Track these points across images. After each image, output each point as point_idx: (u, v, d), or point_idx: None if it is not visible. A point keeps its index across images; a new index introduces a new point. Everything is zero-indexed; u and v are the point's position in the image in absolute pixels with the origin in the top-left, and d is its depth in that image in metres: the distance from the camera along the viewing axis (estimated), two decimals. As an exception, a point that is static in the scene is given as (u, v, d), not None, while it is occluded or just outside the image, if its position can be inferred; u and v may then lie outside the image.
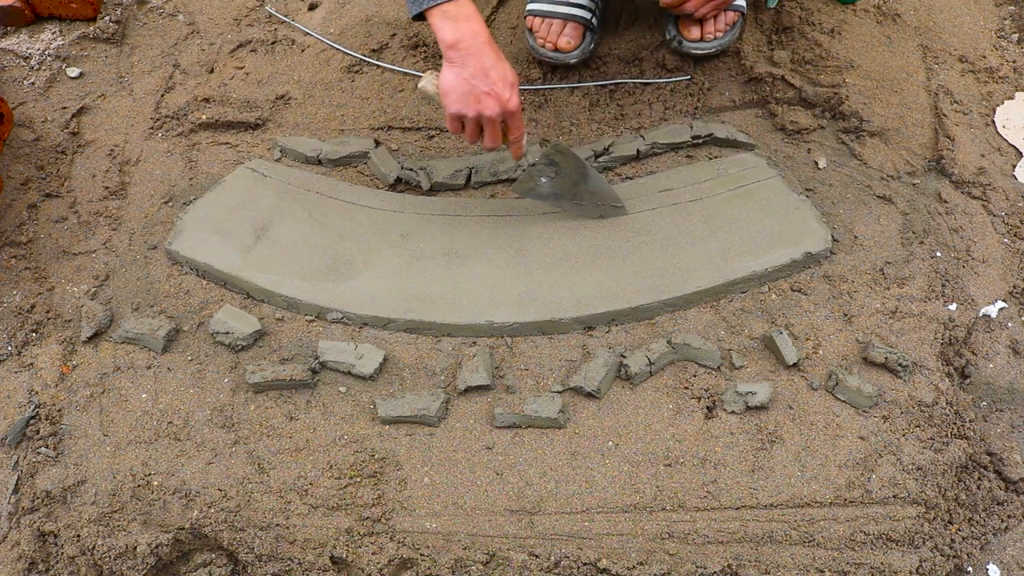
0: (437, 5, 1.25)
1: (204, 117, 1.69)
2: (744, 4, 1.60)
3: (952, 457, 1.24)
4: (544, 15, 1.62)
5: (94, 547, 1.26)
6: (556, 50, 1.63)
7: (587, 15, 1.60)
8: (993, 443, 1.31)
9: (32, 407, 1.37)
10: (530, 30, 1.65)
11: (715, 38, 1.59)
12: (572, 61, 1.64)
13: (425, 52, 1.74)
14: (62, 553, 1.27)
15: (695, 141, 1.58)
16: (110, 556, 1.25)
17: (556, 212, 1.50)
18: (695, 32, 1.58)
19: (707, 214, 1.47)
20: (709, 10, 1.44)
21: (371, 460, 1.28)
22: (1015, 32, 1.72)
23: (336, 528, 1.24)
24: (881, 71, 1.62)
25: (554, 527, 1.22)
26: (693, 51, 1.60)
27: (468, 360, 1.35)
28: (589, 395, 1.32)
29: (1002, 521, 1.27)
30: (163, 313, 1.45)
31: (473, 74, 1.25)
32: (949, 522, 1.23)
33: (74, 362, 1.41)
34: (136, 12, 1.89)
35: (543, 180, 1.43)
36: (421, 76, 1.35)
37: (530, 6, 1.64)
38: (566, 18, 1.60)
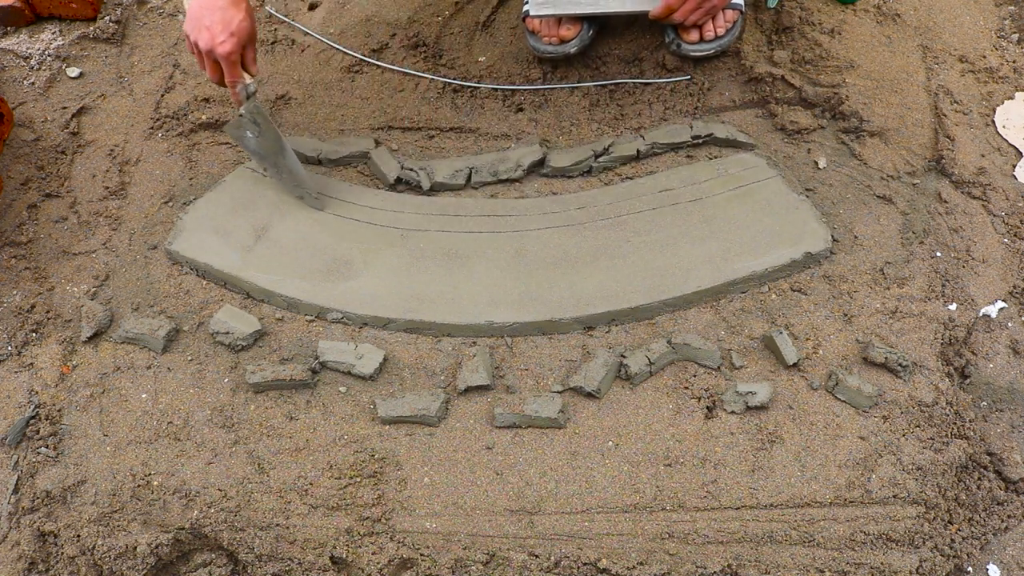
0: None
1: (204, 117, 1.69)
2: (742, 2, 1.60)
3: (952, 457, 1.24)
4: (543, 16, 1.62)
5: (94, 547, 1.26)
6: (561, 41, 1.62)
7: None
8: (993, 443, 1.31)
9: (32, 407, 1.37)
10: (532, 31, 1.65)
11: (715, 38, 1.59)
12: (572, 51, 1.64)
13: (425, 52, 1.74)
14: (62, 553, 1.27)
15: (695, 141, 1.58)
16: (110, 556, 1.25)
17: (556, 212, 1.50)
18: (693, 35, 1.58)
19: (707, 214, 1.47)
20: (699, 16, 1.45)
21: (371, 460, 1.28)
22: (1015, 32, 1.72)
23: (336, 528, 1.24)
24: (881, 71, 1.62)
25: (554, 527, 1.22)
26: (692, 53, 1.60)
27: (468, 360, 1.35)
28: (589, 395, 1.32)
29: (1002, 521, 1.27)
30: (163, 313, 1.45)
31: (205, 5, 1.33)
32: (949, 522, 1.23)
33: (74, 362, 1.41)
34: (136, 12, 1.89)
35: (248, 135, 1.47)
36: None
37: (529, 10, 1.64)
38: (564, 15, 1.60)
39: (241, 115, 1.44)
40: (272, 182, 1.57)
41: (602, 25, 1.70)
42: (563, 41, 1.63)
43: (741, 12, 1.60)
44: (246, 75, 1.39)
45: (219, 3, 1.33)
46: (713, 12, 1.46)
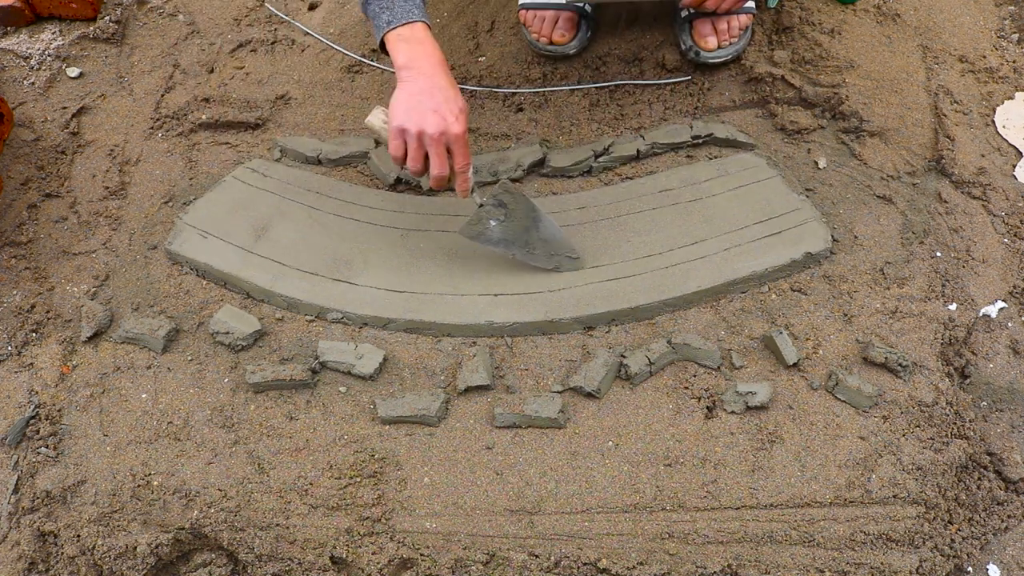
0: (393, 29, 1.25)
1: (204, 117, 1.69)
2: (754, 5, 1.60)
3: (952, 457, 1.24)
4: (536, 7, 1.62)
5: (94, 547, 1.26)
6: (551, 44, 1.63)
7: (578, 4, 1.60)
8: (993, 443, 1.31)
9: (32, 407, 1.37)
10: (524, 25, 1.65)
11: (730, 43, 1.59)
12: (571, 52, 1.64)
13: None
14: (62, 553, 1.27)
15: (695, 141, 1.58)
16: (110, 556, 1.25)
17: (556, 212, 1.50)
18: (711, 42, 1.58)
19: (707, 214, 1.47)
20: (730, 5, 1.42)
21: (371, 460, 1.28)
22: (1015, 32, 1.72)
23: (336, 528, 1.24)
24: (881, 71, 1.62)
25: (554, 527, 1.22)
26: (711, 60, 1.60)
27: (468, 360, 1.35)
28: (589, 395, 1.32)
29: (1002, 521, 1.27)
30: (163, 313, 1.45)
31: (421, 90, 1.23)
32: (949, 522, 1.23)
33: (74, 362, 1.41)
34: (136, 12, 1.89)
35: (492, 223, 1.36)
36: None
37: (522, 0, 1.65)
38: (558, 9, 1.60)
39: (481, 205, 1.33)
40: (272, 182, 1.57)
41: (600, 25, 1.70)
42: (555, 44, 1.63)
43: (754, 15, 1.60)
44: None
45: (438, 84, 1.23)
46: (742, 1, 1.43)
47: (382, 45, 1.29)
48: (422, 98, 1.22)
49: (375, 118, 1.32)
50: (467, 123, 1.25)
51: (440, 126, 1.22)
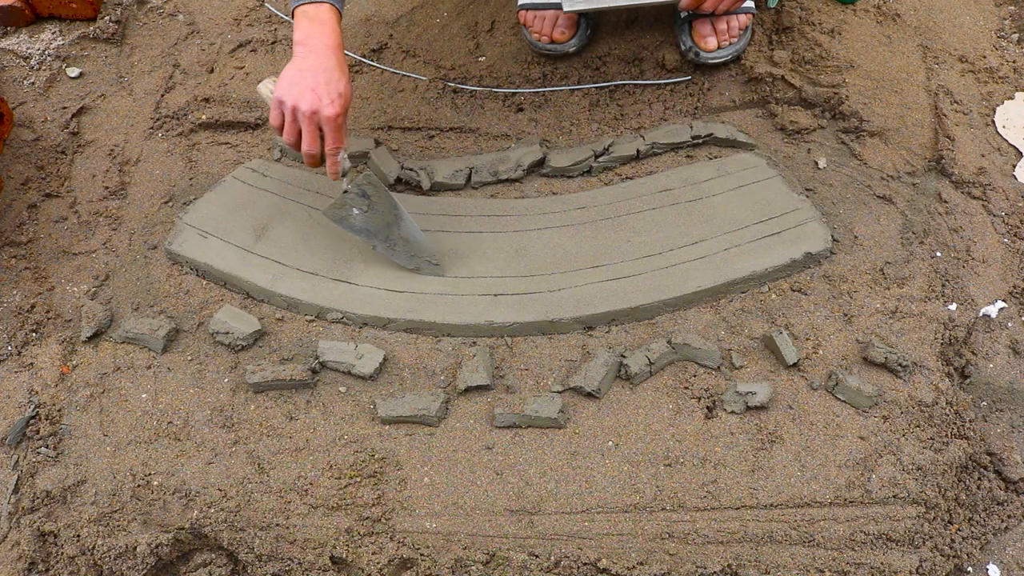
0: (301, 5, 1.29)
1: (204, 117, 1.69)
2: (753, 5, 1.60)
3: (952, 457, 1.24)
4: (535, 7, 1.62)
5: (94, 547, 1.26)
6: (552, 42, 1.63)
7: (577, 9, 1.60)
8: (993, 443, 1.31)
9: (32, 407, 1.37)
10: (524, 25, 1.66)
11: (730, 44, 1.59)
12: (571, 50, 1.64)
13: (425, 53, 1.74)
14: (62, 553, 1.27)
15: (695, 141, 1.58)
16: (110, 556, 1.25)
17: (556, 212, 1.50)
18: (711, 42, 1.58)
19: (707, 214, 1.47)
20: (728, 5, 1.42)
21: (371, 460, 1.28)
22: (1015, 32, 1.72)
23: (336, 528, 1.24)
24: (881, 71, 1.62)
25: (554, 527, 1.22)
26: (711, 61, 1.60)
27: (468, 360, 1.35)
28: (589, 395, 1.32)
29: (1002, 521, 1.27)
30: (163, 313, 1.45)
31: (307, 67, 1.25)
32: (949, 522, 1.23)
33: (74, 362, 1.41)
34: (136, 12, 1.89)
35: (355, 211, 1.36)
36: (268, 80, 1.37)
37: (521, 1, 1.65)
38: (559, 8, 1.60)
39: (346, 191, 1.34)
40: (272, 182, 1.57)
41: (600, 24, 1.70)
42: (555, 42, 1.64)
43: (753, 15, 1.60)
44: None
45: (324, 64, 1.25)
46: (740, 1, 1.44)
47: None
48: (305, 75, 1.25)
49: (264, 87, 1.36)
50: (344, 108, 1.26)
51: (314, 105, 1.24)
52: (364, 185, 1.34)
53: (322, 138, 1.28)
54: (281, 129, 1.29)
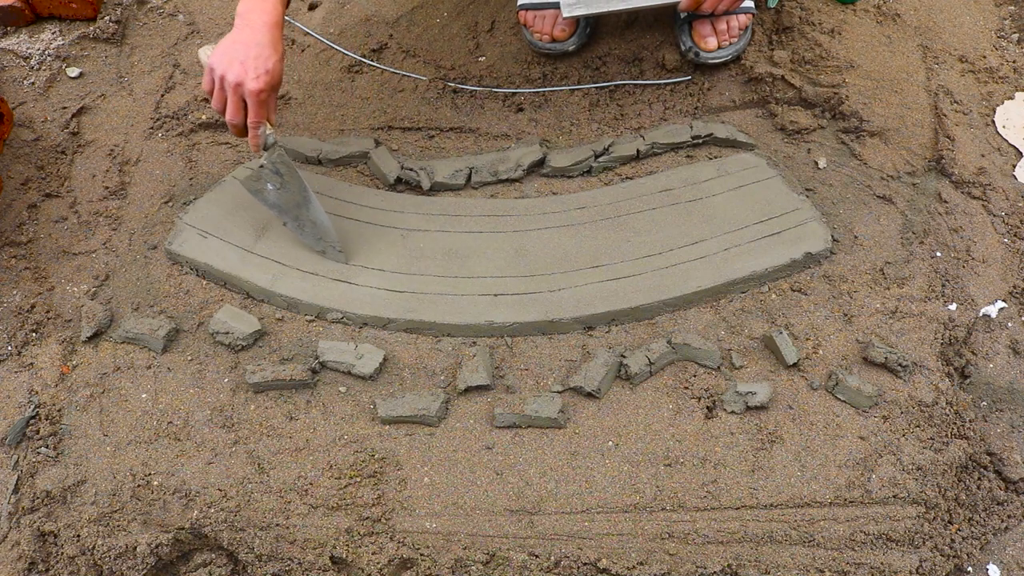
0: None
1: (204, 117, 1.69)
2: (753, 5, 1.60)
3: (952, 457, 1.24)
4: (536, 7, 1.63)
5: (94, 547, 1.26)
6: (553, 40, 1.63)
7: (576, 14, 1.60)
8: (993, 443, 1.31)
9: (32, 407, 1.37)
10: (524, 25, 1.66)
11: (730, 44, 1.59)
12: (571, 48, 1.65)
13: (425, 53, 1.74)
14: (62, 553, 1.27)
15: (695, 141, 1.58)
16: (110, 556, 1.25)
17: (556, 212, 1.50)
18: (711, 42, 1.58)
19: (707, 214, 1.47)
20: (726, 6, 1.43)
21: (371, 460, 1.28)
22: (1015, 32, 1.72)
23: (336, 528, 1.24)
24: (881, 71, 1.62)
25: (554, 527, 1.22)
26: (711, 61, 1.60)
27: (468, 360, 1.35)
28: (589, 395, 1.32)
29: (1002, 521, 1.27)
30: (163, 313, 1.45)
31: (241, 40, 1.29)
32: (949, 522, 1.23)
33: (74, 362, 1.41)
34: (136, 12, 1.89)
35: (269, 187, 1.40)
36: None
37: (521, 1, 1.65)
38: (558, 7, 1.60)
39: (262, 166, 1.37)
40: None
41: (600, 24, 1.70)
42: (556, 41, 1.64)
43: (753, 15, 1.60)
44: (266, 123, 1.33)
45: (256, 40, 1.29)
46: (738, 2, 1.45)
47: None
48: (237, 47, 1.29)
49: (203, 52, 1.40)
50: (269, 85, 1.29)
51: (239, 77, 1.28)
52: (278, 163, 1.38)
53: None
54: (211, 96, 1.33)
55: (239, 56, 1.28)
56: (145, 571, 1.26)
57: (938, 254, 1.44)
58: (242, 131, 1.34)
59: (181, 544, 1.27)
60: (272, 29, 1.31)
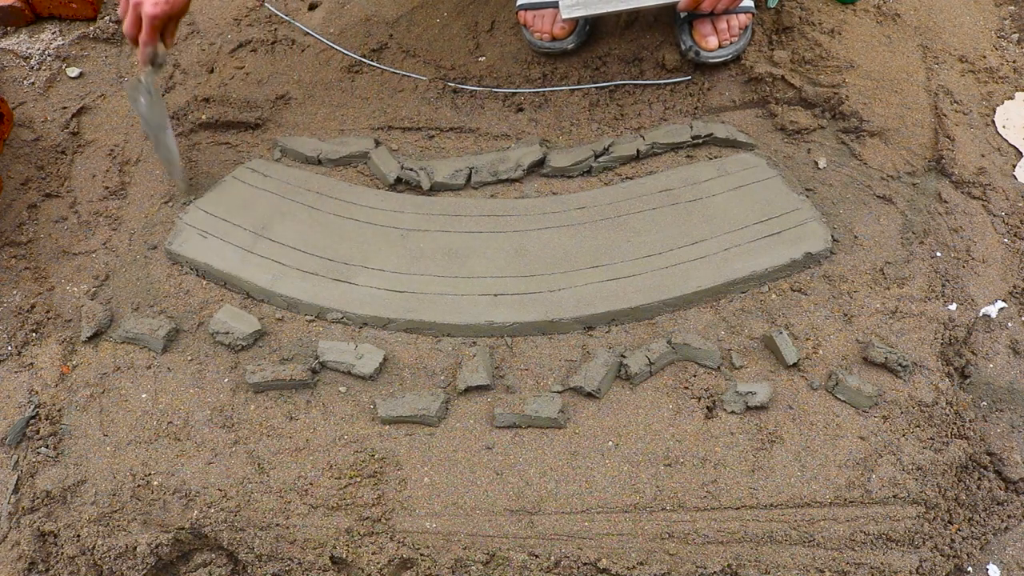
0: None
1: (204, 117, 1.69)
2: (753, 4, 1.60)
3: (952, 457, 1.24)
4: (534, 7, 1.63)
5: (94, 547, 1.26)
6: (552, 39, 1.63)
7: (575, 16, 1.61)
8: (993, 443, 1.31)
9: (32, 407, 1.37)
10: (524, 25, 1.66)
11: (731, 43, 1.59)
12: (570, 47, 1.65)
13: (425, 53, 1.74)
14: (62, 553, 1.27)
15: (695, 141, 1.58)
16: (110, 556, 1.25)
17: (556, 212, 1.50)
18: (712, 42, 1.58)
19: (707, 214, 1.47)
20: (725, 5, 1.43)
21: (371, 460, 1.28)
22: (1015, 32, 1.72)
23: (336, 528, 1.24)
24: (881, 71, 1.62)
25: (554, 527, 1.22)
26: (711, 60, 1.60)
27: (468, 360, 1.35)
28: (589, 395, 1.32)
29: (1002, 521, 1.27)
30: (163, 313, 1.45)
31: None
32: (949, 522, 1.24)
33: (74, 362, 1.41)
34: (136, 12, 1.89)
35: (141, 100, 1.51)
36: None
37: (520, 1, 1.65)
38: (557, 7, 1.60)
39: (139, 80, 1.49)
40: (272, 182, 1.57)
41: (599, 23, 1.70)
42: (556, 39, 1.64)
43: (753, 15, 1.60)
44: (160, 44, 1.46)
45: None
46: (738, 0, 1.45)
47: None
48: None
49: None
50: (164, 14, 1.41)
51: None
52: (148, 85, 1.49)
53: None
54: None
55: None
56: (145, 571, 1.26)
57: (938, 254, 1.44)
58: (135, 44, 1.47)
59: (181, 544, 1.27)
60: None
